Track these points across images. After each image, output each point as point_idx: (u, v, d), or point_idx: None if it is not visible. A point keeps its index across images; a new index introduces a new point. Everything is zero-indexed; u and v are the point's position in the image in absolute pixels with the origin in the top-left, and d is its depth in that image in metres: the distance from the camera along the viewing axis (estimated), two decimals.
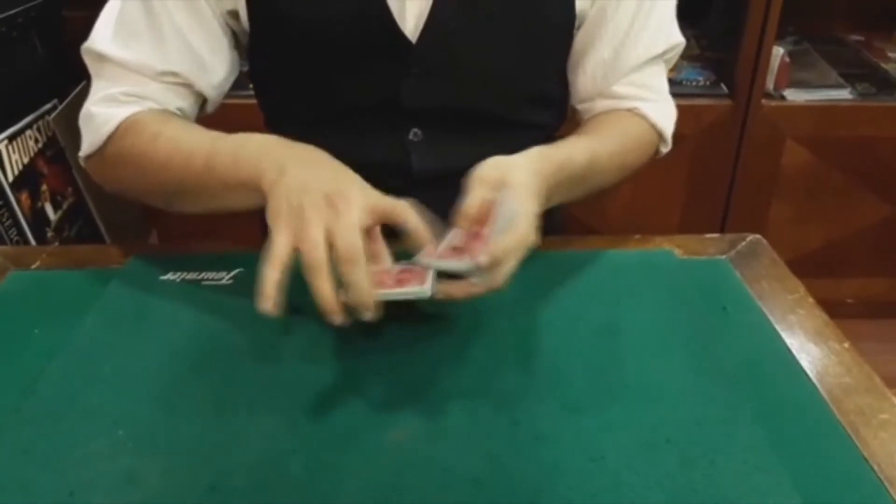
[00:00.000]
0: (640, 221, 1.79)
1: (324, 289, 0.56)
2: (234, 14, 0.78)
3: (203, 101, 0.81)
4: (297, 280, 0.72)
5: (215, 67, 0.79)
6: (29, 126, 1.60)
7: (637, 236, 0.81)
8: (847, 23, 2.03)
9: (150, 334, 0.67)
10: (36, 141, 1.62)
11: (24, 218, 1.54)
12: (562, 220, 0.97)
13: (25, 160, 1.57)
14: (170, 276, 0.73)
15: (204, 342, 0.66)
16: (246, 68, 0.86)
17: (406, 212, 0.60)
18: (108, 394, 0.60)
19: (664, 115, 0.85)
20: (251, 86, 0.89)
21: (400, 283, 0.59)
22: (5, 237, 1.48)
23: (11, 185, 1.52)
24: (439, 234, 0.61)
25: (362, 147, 0.76)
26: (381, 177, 0.65)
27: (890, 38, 2.00)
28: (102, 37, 0.76)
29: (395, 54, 0.77)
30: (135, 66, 0.75)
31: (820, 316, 0.70)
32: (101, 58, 0.76)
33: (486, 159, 0.64)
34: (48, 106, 1.68)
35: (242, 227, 0.83)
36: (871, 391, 0.61)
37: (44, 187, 1.63)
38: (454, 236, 0.61)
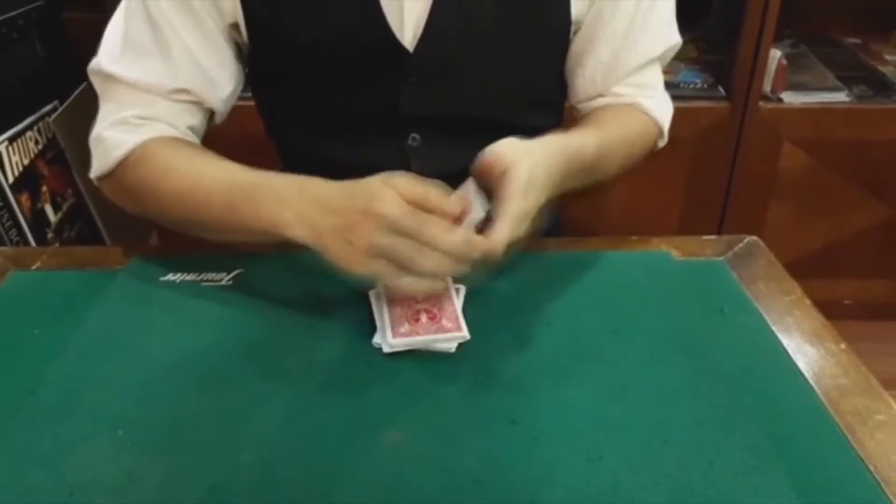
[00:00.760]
0: (638, 223, 1.79)
1: (432, 257, 0.57)
2: (235, 26, 0.78)
3: (211, 114, 0.81)
4: (297, 280, 0.73)
5: (223, 81, 0.79)
6: (29, 127, 1.60)
7: (635, 237, 0.82)
8: (844, 25, 2.03)
9: (150, 335, 0.67)
10: (36, 142, 1.62)
11: (25, 219, 1.54)
12: (560, 221, 0.98)
13: (26, 161, 1.57)
14: (170, 276, 0.74)
15: (204, 343, 0.66)
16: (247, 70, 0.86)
17: (426, 195, 0.60)
18: (109, 394, 0.60)
19: (663, 109, 0.86)
20: (250, 93, 0.89)
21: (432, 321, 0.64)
22: (5, 238, 1.48)
23: (12, 187, 1.52)
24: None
25: (361, 153, 0.76)
26: None
27: (887, 41, 2.00)
28: (110, 57, 0.75)
29: (393, 63, 0.77)
30: (146, 85, 0.75)
31: (817, 317, 0.70)
32: (111, 78, 0.75)
33: (505, 138, 0.64)
34: (48, 107, 1.67)
35: None
36: (867, 392, 0.61)
37: (44, 188, 1.63)
38: (466, 189, 0.64)
